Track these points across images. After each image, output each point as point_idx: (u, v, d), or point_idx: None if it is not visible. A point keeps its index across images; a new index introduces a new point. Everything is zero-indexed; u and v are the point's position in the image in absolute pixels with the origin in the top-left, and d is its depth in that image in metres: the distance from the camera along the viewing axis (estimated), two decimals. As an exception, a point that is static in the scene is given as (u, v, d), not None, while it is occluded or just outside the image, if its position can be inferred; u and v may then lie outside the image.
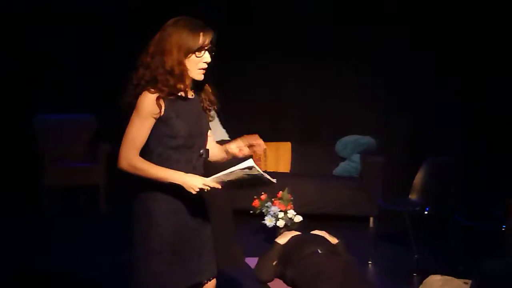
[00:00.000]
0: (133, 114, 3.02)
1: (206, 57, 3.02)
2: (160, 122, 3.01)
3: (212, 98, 3.18)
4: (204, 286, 3.24)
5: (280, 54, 8.03)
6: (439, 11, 7.59)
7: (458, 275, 4.44)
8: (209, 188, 2.96)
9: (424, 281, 4.48)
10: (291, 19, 7.94)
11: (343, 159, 7.82)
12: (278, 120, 8.22)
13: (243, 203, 6.52)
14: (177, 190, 2.99)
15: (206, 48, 3.01)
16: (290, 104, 8.15)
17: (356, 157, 7.62)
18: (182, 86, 3.02)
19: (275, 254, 4.91)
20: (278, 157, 7.91)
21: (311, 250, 4.67)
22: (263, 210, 6.14)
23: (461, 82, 7.56)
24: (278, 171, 7.82)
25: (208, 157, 3.22)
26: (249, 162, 2.88)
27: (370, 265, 5.84)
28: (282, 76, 8.15)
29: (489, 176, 6.39)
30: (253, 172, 2.94)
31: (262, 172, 2.97)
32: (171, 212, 3.05)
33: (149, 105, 2.98)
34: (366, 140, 7.74)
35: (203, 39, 2.99)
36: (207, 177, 3.00)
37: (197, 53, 2.99)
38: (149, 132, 3.02)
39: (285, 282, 4.77)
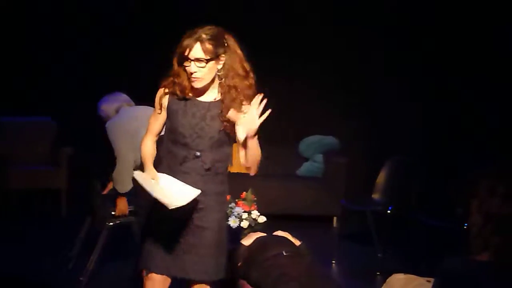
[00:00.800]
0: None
1: (189, 68, 3.20)
2: (167, 115, 3.32)
3: (230, 109, 3.25)
4: (194, 287, 3.37)
5: (244, 54, 8.01)
6: (400, 11, 7.65)
7: (421, 274, 4.47)
8: None
9: (387, 280, 4.49)
10: (254, 19, 7.93)
11: (306, 159, 7.83)
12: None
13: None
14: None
15: (191, 59, 3.17)
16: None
17: (319, 157, 7.64)
18: (180, 88, 3.25)
19: (239, 255, 4.90)
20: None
21: (275, 252, 4.67)
22: (227, 211, 6.12)
23: (422, 82, 7.63)
24: (242, 171, 7.79)
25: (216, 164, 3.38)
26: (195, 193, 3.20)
27: (333, 264, 5.87)
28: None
29: (451, 175, 6.44)
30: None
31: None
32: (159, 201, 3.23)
33: (157, 99, 3.33)
34: (329, 140, 7.77)
35: (185, 49, 3.17)
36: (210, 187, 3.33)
37: (185, 62, 3.20)
38: (161, 122, 3.37)
39: (249, 283, 4.75)
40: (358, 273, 5.67)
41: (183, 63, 3.22)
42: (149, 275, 3.38)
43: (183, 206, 3.19)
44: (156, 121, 3.39)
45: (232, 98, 3.28)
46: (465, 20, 7.36)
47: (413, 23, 7.59)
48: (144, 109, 4.96)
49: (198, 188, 3.25)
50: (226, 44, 3.27)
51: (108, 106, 5.33)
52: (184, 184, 3.24)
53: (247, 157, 3.32)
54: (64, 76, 7.68)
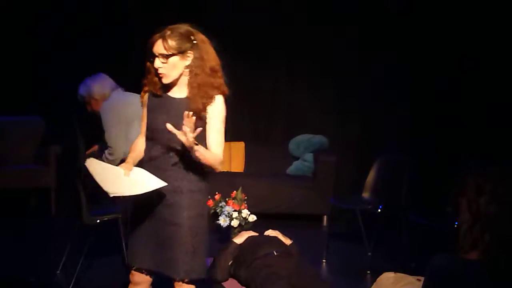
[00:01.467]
0: None
1: (155, 63, 3.29)
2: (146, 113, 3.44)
3: (194, 107, 3.27)
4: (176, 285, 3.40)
5: (232, 53, 7.99)
6: (390, 12, 7.66)
7: (411, 272, 4.49)
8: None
9: (377, 278, 4.51)
10: (243, 19, 7.93)
11: (296, 158, 7.84)
12: (231, 120, 8.15)
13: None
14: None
15: (156, 55, 3.28)
16: (243, 104, 8.14)
17: (309, 156, 7.65)
18: (151, 85, 3.36)
19: (230, 253, 4.90)
20: (231, 157, 7.89)
21: (266, 251, 4.68)
22: (217, 210, 6.11)
23: (411, 81, 7.65)
24: (232, 170, 7.80)
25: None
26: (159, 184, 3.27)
27: (323, 263, 5.87)
28: (235, 76, 8.08)
29: (440, 173, 6.46)
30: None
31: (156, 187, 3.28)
32: (149, 198, 3.32)
33: (140, 98, 3.48)
34: (318, 139, 7.78)
35: (151, 45, 3.29)
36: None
37: (151, 58, 3.30)
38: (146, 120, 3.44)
39: (239, 282, 4.76)
40: (348, 272, 5.67)
41: (151, 59, 3.31)
42: (133, 269, 3.48)
43: (152, 201, 3.32)
44: (143, 121, 3.50)
45: (194, 95, 3.31)
46: (453, 22, 7.39)
47: (401, 24, 7.61)
48: (136, 97, 4.96)
49: (171, 184, 3.31)
50: (194, 41, 3.32)
51: (102, 88, 5.29)
52: (152, 175, 3.29)
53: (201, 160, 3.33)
54: (52, 75, 7.65)
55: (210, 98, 3.32)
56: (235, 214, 6.02)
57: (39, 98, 7.77)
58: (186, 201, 3.37)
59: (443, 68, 7.48)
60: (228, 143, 7.90)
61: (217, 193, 6.21)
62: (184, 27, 3.33)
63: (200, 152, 3.24)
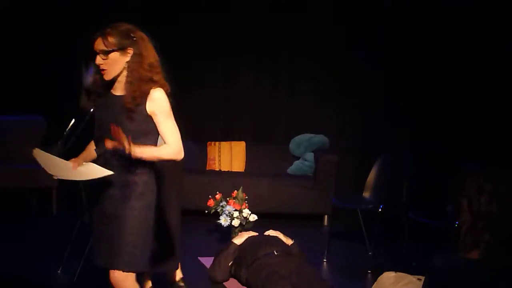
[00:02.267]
0: None
1: (96, 60, 3.40)
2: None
3: (128, 100, 3.36)
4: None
5: (233, 53, 8.01)
6: (390, 10, 7.66)
7: (411, 272, 4.49)
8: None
9: (378, 278, 4.51)
10: (242, 19, 7.92)
11: (297, 158, 7.84)
12: (232, 120, 8.20)
13: (198, 202, 6.50)
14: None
15: (97, 52, 3.38)
16: (243, 104, 8.14)
17: (310, 156, 7.65)
18: (95, 82, 3.47)
19: (231, 254, 4.91)
20: (232, 156, 7.89)
21: (267, 251, 4.68)
22: (218, 210, 6.12)
23: (412, 81, 7.65)
24: (233, 170, 7.80)
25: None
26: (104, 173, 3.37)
27: (324, 263, 5.87)
28: (235, 76, 8.13)
29: (441, 173, 6.46)
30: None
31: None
32: (98, 196, 3.49)
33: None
34: (319, 138, 7.77)
35: (93, 43, 3.40)
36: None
37: (94, 56, 3.40)
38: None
39: (239, 282, 4.76)
40: (349, 271, 5.67)
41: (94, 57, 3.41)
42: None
43: (103, 197, 3.46)
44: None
45: (129, 91, 3.37)
46: (453, 22, 7.39)
47: (400, 23, 7.61)
48: None
49: (119, 179, 3.41)
50: (133, 38, 3.39)
51: None
52: (98, 166, 3.41)
53: None
54: (54, 74, 7.64)
55: (145, 93, 3.37)
56: (236, 214, 6.03)
57: (40, 98, 7.76)
58: (131, 194, 3.43)
59: (443, 68, 7.48)
60: (229, 142, 7.91)
61: (218, 192, 6.22)
62: (124, 25, 3.42)
63: (147, 154, 3.35)
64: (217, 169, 7.81)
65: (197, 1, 7.88)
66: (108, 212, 3.46)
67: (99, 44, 3.37)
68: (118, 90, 3.45)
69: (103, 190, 3.46)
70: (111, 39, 3.35)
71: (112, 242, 3.43)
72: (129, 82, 3.37)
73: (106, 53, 3.35)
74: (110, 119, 3.35)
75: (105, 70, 3.39)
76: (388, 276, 4.43)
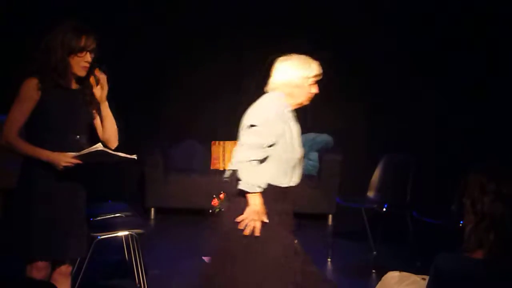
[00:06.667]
0: (15, 99, 3.55)
1: (87, 57, 3.55)
2: (38, 105, 3.51)
3: (94, 92, 3.63)
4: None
5: (236, 51, 8.00)
6: (401, 10, 7.65)
7: (416, 271, 4.48)
8: (72, 164, 3.47)
9: (382, 277, 4.50)
10: (243, 19, 7.90)
11: (301, 157, 7.82)
12: (236, 119, 8.17)
13: (202, 202, 6.49)
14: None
15: (88, 49, 3.54)
16: (248, 103, 8.11)
17: (314, 155, 7.64)
18: (62, 80, 3.54)
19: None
20: (236, 156, 7.88)
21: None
22: (222, 209, 6.11)
23: (419, 80, 7.63)
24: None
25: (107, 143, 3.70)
26: (98, 146, 3.45)
27: (328, 262, 5.87)
28: (238, 75, 8.11)
29: (445, 172, 6.45)
30: (107, 151, 3.51)
31: (113, 153, 3.55)
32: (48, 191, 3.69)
33: (28, 91, 3.52)
34: (324, 138, 7.76)
35: (85, 42, 3.54)
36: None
37: (79, 53, 3.52)
38: (28, 113, 3.53)
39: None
40: (353, 271, 5.67)
41: (73, 56, 3.54)
42: None
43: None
44: (20, 114, 3.61)
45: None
46: (463, 22, 7.39)
47: (403, 21, 7.60)
48: None
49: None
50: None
51: None
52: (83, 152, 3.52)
53: (105, 127, 3.70)
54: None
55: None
56: (240, 213, 6.02)
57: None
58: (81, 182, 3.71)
59: (444, 68, 7.47)
60: (233, 142, 7.89)
61: (222, 192, 6.22)
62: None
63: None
64: (221, 169, 7.80)
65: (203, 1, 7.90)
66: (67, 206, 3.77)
67: (93, 43, 3.58)
68: (74, 84, 3.64)
69: (63, 184, 3.70)
70: (94, 38, 3.59)
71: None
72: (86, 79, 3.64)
73: (95, 51, 3.59)
74: (69, 110, 3.58)
75: (87, 66, 3.59)
76: (392, 276, 4.41)
